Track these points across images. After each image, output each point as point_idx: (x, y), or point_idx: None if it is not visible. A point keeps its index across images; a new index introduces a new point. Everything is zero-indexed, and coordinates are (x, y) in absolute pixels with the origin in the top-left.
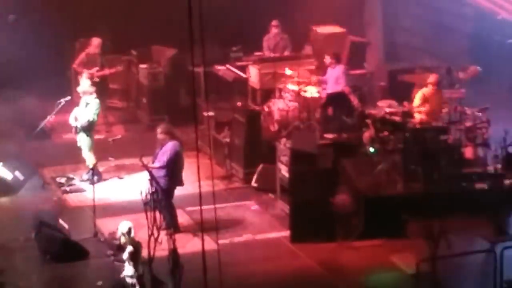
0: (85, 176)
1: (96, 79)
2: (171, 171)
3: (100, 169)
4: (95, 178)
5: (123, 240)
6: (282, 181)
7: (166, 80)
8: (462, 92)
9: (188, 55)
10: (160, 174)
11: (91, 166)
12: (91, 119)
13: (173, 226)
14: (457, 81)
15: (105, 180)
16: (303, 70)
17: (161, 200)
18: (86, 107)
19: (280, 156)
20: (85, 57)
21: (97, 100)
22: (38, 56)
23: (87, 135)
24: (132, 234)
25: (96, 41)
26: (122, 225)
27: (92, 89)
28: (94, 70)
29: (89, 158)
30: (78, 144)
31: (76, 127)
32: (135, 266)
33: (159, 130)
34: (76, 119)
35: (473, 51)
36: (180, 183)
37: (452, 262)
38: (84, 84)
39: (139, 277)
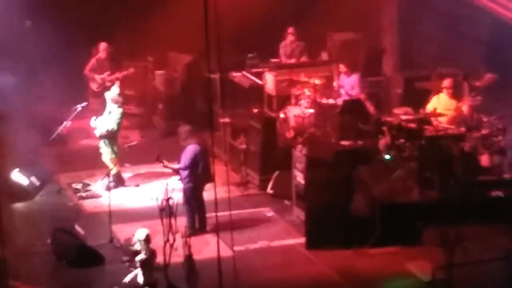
0: (102, 182)
1: (108, 83)
2: (192, 172)
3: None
4: (112, 184)
5: (138, 246)
6: (297, 188)
7: (182, 87)
8: (478, 99)
9: (204, 61)
10: (183, 175)
11: (112, 173)
12: (110, 128)
13: (200, 226)
14: (474, 89)
15: (121, 186)
16: (320, 77)
17: (187, 199)
18: (109, 115)
19: (296, 163)
20: (95, 63)
21: (120, 110)
22: (55, 62)
23: (107, 143)
24: (149, 242)
25: (103, 46)
26: (139, 232)
27: (119, 98)
28: (105, 74)
29: (108, 165)
30: (100, 151)
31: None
32: (146, 274)
33: (180, 134)
34: (97, 127)
35: (489, 58)
36: (209, 179)
37: (468, 270)
38: (113, 91)
39: (152, 284)
